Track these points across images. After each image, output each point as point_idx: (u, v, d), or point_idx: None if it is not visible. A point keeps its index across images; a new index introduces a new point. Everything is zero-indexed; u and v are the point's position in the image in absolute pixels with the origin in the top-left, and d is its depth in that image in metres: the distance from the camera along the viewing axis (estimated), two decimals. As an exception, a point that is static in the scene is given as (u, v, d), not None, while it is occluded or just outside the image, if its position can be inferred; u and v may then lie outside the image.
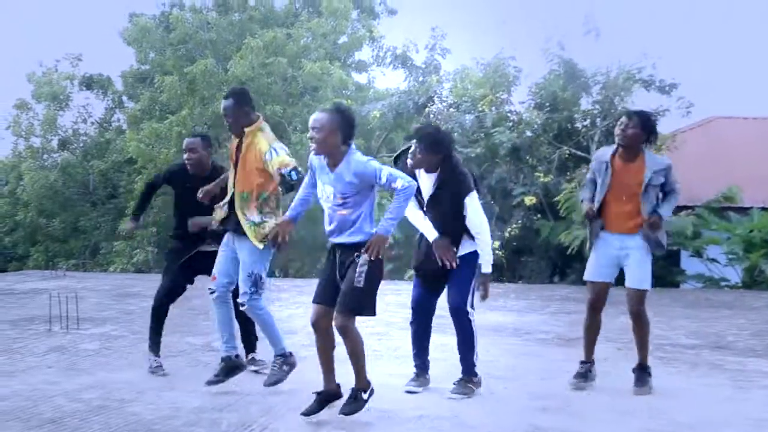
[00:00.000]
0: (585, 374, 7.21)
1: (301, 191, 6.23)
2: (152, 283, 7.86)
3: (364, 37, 27.14)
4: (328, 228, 5.94)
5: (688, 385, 7.31)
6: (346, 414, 5.79)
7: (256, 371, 7.46)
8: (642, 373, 7.04)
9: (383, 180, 5.68)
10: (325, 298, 5.94)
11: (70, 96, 30.74)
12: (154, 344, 7.64)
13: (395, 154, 7.06)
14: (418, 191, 6.55)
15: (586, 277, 7.33)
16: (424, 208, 6.73)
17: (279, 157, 6.41)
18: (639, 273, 6.98)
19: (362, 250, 5.74)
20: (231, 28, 26.56)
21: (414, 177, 6.40)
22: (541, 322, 10.93)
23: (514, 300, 13.62)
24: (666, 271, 17.88)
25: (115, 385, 7.02)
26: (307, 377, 6.95)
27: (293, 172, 6.33)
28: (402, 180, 5.69)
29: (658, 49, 34.22)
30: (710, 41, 67.52)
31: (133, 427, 5.70)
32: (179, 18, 27.12)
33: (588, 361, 7.27)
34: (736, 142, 24.37)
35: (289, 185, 6.41)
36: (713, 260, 17.65)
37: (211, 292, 6.84)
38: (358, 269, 5.73)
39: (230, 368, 6.90)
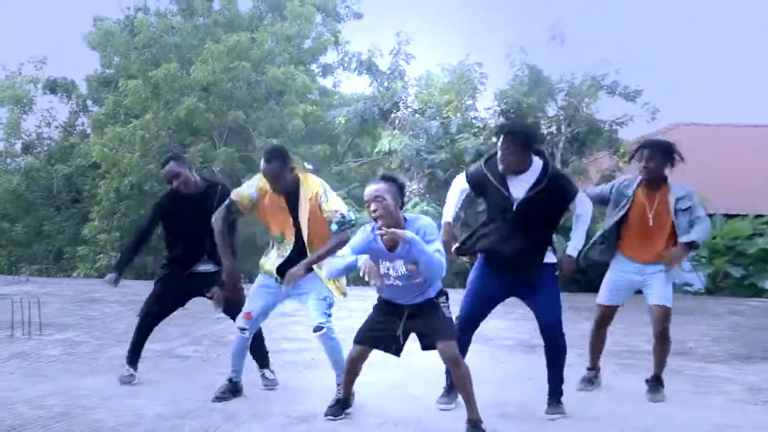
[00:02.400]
0: (591, 380, 7.43)
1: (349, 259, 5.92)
2: (115, 289, 7.78)
3: (329, 41, 27.14)
4: (397, 300, 5.92)
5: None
6: None
7: (266, 387, 7.35)
8: (656, 384, 7.12)
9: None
10: (371, 340, 6.03)
11: (33, 99, 30.59)
12: (134, 357, 7.57)
13: (484, 159, 6.65)
14: (507, 190, 6.29)
15: (600, 300, 7.39)
16: (510, 213, 6.30)
17: (333, 200, 6.55)
18: (664, 291, 7.04)
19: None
20: (195, 33, 26.48)
21: (504, 180, 6.32)
22: (505, 329, 10.96)
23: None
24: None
25: (78, 391, 6.99)
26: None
27: (349, 214, 6.54)
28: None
29: (622, 56, 34.46)
30: (674, 48, 68.05)
31: (95, 434, 5.69)
32: (143, 22, 27.05)
33: (594, 368, 7.44)
34: (700, 149, 24.54)
35: (343, 227, 6.47)
36: (676, 266, 17.78)
37: (242, 330, 6.82)
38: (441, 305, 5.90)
39: (236, 390, 6.90)
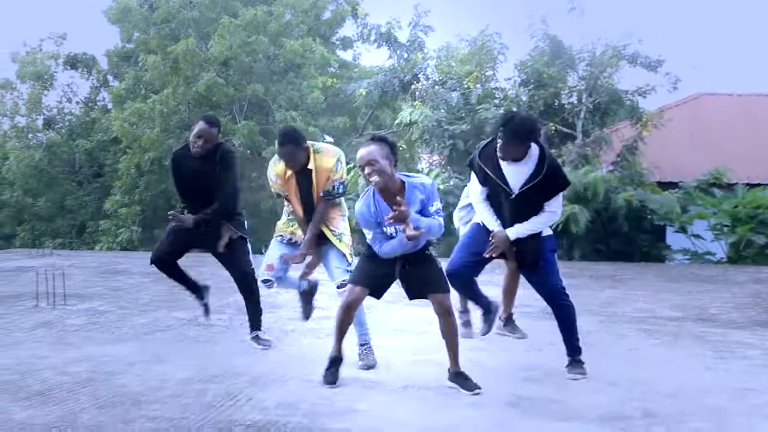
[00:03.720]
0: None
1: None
2: (139, 260, 7.91)
3: (346, 11, 26.99)
4: (395, 253, 5.97)
5: (670, 355, 7.38)
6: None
7: (263, 349, 7.43)
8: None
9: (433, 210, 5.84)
10: (369, 283, 6.06)
11: (54, 75, 30.66)
12: (195, 290, 7.82)
13: (480, 148, 6.59)
14: (504, 183, 6.32)
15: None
16: (508, 200, 6.36)
17: (342, 170, 6.82)
18: None
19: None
20: (213, 6, 26.39)
21: (500, 170, 6.33)
22: (527, 297, 10.84)
23: (500, 275, 13.57)
24: (651, 247, 18.01)
25: (103, 358, 7.05)
26: (292, 350, 7.07)
27: (341, 186, 6.82)
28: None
29: (643, 26, 34.25)
30: (696, 18, 67.59)
31: (120, 398, 5.73)
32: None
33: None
34: (722, 119, 24.45)
35: (331, 197, 6.78)
36: (698, 236, 17.73)
37: (267, 282, 7.02)
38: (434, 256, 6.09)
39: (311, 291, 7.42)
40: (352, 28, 27.69)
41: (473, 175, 6.59)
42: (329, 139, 26.06)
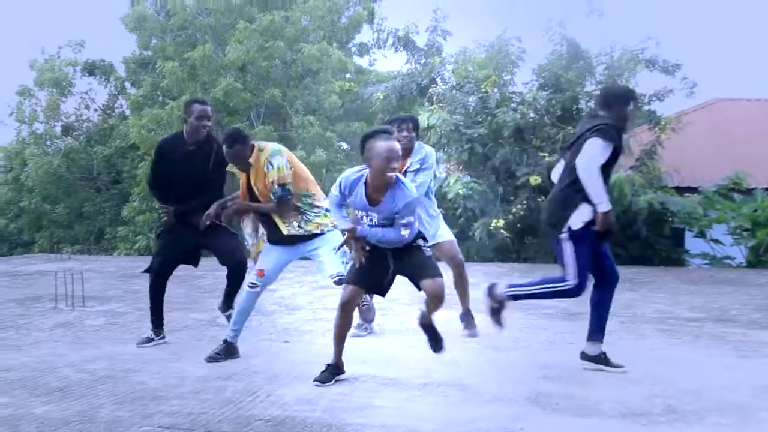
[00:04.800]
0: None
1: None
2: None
3: (362, 16, 26.97)
4: (374, 238, 5.96)
5: (691, 355, 7.32)
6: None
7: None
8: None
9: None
10: (364, 282, 6.07)
11: (72, 82, 30.73)
12: (157, 320, 7.76)
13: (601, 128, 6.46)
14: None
15: None
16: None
17: (273, 172, 6.68)
18: None
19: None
20: (229, 13, 26.41)
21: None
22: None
23: (518, 279, 13.60)
24: (670, 251, 17.91)
25: (121, 356, 7.07)
26: (311, 348, 7.07)
27: (281, 189, 6.71)
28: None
29: (661, 30, 34.09)
30: (713, 23, 67.40)
31: (139, 394, 5.74)
32: (178, 3, 27.03)
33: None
34: (740, 123, 24.35)
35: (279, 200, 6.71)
36: (717, 241, 17.63)
37: (253, 285, 6.94)
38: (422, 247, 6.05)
39: (232, 351, 7.02)
40: (368, 35, 27.73)
41: (597, 147, 6.39)
42: (345, 146, 26.10)
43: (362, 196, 5.85)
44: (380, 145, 5.69)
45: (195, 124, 7.34)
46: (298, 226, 6.78)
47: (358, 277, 6.04)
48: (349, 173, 5.93)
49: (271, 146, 6.81)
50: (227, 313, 7.63)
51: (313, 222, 6.82)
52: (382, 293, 6.26)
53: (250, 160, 6.70)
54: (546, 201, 6.52)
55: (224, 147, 6.71)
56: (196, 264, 7.86)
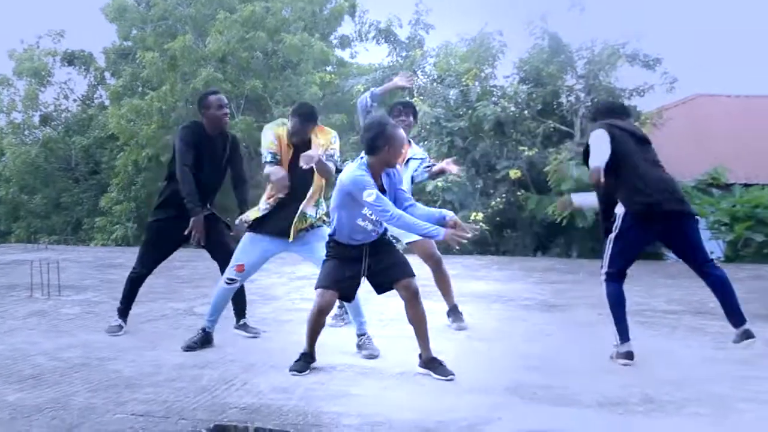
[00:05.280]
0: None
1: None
2: (135, 254, 7.78)
3: (344, 8, 26.83)
4: (358, 240, 6.02)
5: (669, 346, 7.33)
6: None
7: (252, 337, 7.45)
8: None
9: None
10: (338, 286, 6.03)
11: (51, 72, 30.48)
12: (125, 309, 7.71)
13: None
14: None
15: None
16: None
17: (338, 144, 6.85)
18: None
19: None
20: (209, 4, 26.22)
21: None
22: (525, 290, 10.94)
23: (497, 271, 13.64)
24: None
25: (96, 345, 7.01)
26: (289, 338, 7.02)
27: (333, 156, 6.72)
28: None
29: (642, 25, 34.13)
30: (694, 19, 67.52)
31: (113, 382, 5.68)
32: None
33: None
34: (720, 119, 24.45)
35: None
36: (695, 236, 17.62)
37: (231, 281, 6.89)
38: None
39: (207, 340, 6.97)
40: (350, 27, 27.64)
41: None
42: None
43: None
44: (400, 134, 5.92)
45: (217, 114, 7.22)
46: (316, 212, 6.80)
47: (334, 282, 6.02)
48: (360, 172, 5.85)
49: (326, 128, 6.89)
50: (241, 323, 7.61)
51: (321, 213, 6.86)
52: (349, 299, 6.30)
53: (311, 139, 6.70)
54: (661, 181, 6.34)
55: (302, 119, 6.65)
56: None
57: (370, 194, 5.70)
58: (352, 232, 5.98)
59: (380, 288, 6.17)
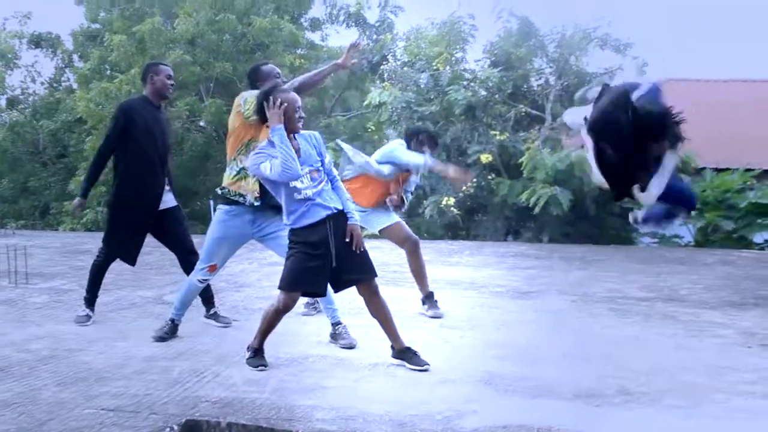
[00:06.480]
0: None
1: None
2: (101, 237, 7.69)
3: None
4: (320, 213, 5.80)
5: (642, 334, 7.31)
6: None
7: (223, 326, 7.39)
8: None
9: None
10: (302, 286, 5.88)
11: (18, 54, 30.18)
12: (92, 298, 7.64)
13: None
14: None
15: None
16: None
17: None
18: None
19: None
20: (179, -15, 26.03)
21: None
22: (497, 276, 10.91)
23: (469, 256, 13.61)
24: (620, 230, 18.01)
25: (65, 336, 6.91)
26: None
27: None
28: None
29: (613, 9, 34.19)
30: (665, 3, 67.75)
31: (83, 375, 5.59)
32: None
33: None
34: (690, 104, 24.32)
35: None
36: (666, 220, 17.69)
37: (203, 282, 6.88)
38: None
39: (175, 330, 6.90)
40: (320, 9, 27.51)
41: None
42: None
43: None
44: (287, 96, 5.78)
45: (165, 81, 7.31)
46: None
47: (299, 283, 5.84)
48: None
49: None
50: (211, 312, 7.55)
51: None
52: (323, 294, 6.18)
53: None
54: None
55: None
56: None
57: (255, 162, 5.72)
58: (300, 209, 5.76)
59: (339, 287, 6.03)
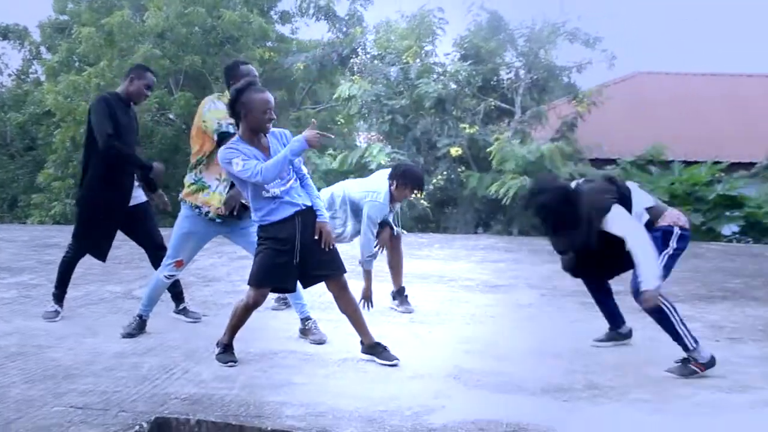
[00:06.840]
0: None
1: None
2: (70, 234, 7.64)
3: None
4: (289, 208, 5.77)
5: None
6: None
7: (193, 322, 7.37)
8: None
9: None
10: (271, 282, 5.86)
11: (-16, 46, 29.99)
12: (61, 294, 7.58)
13: None
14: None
15: None
16: None
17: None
18: None
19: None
20: (148, -23, 25.87)
21: None
22: (467, 270, 10.93)
23: (439, 249, 13.62)
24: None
25: (33, 332, 6.85)
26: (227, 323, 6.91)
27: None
28: None
29: (582, 4, 34.36)
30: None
31: (51, 372, 5.56)
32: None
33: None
34: (659, 97, 24.65)
35: None
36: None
37: (170, 278, 6.84)
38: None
39: (143, 326, 6.85)
40: (290, 2, 27.44)
41: None
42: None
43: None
44: (257, 96, 5.68)
45: (143, 89, 7.19)
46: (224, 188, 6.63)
47: (268, 279, 5.83)
48: (228, 147, 5.75)
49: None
50: (181, 307, 7.52)
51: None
52: (292, 289, 6.16)
53: None
54: None
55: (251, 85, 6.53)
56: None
57: (237, 163, 5.57)
58: (268, 206, 5.74)
59: (308, 283, 6.04)
